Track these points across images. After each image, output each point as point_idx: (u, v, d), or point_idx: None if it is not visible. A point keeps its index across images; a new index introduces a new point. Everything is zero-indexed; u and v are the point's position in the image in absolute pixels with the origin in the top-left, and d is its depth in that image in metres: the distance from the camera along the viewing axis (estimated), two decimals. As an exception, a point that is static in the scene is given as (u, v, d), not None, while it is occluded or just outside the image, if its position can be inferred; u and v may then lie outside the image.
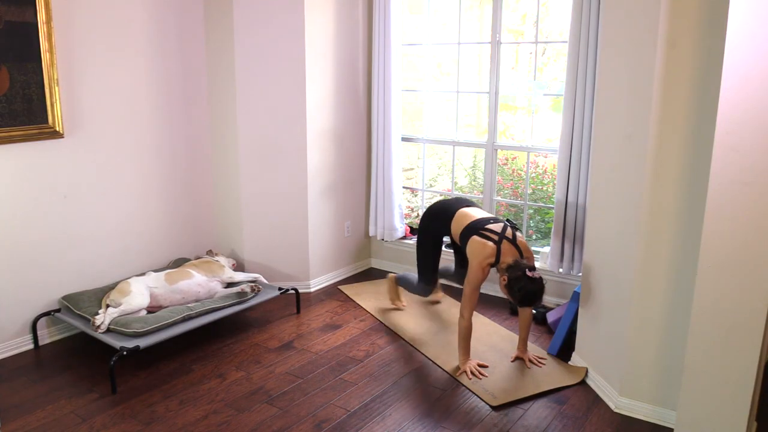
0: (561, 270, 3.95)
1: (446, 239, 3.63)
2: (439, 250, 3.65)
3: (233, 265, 4.14)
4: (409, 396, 3.09)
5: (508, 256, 3.14)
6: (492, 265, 3.18)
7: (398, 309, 4.08)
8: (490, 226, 3.24)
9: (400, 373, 3.31)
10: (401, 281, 4.00)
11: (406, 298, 4.18)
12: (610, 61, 2.95)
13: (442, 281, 4.12)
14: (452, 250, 3.84)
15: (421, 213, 4.98)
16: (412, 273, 3.95)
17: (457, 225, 3.37)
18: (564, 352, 3.46)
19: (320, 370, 3.34)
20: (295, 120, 4.19)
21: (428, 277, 3.70)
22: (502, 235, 3.18)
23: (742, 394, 2.35)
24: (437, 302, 4.20)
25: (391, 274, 4.12)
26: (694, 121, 2.54)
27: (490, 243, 3.16)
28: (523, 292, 3.02)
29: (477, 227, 3.25)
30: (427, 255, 3.65)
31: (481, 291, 4.04)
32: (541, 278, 3.04)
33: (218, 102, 4.26)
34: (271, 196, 4.30)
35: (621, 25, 2.83)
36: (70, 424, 2.82)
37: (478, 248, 3.18)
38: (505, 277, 3.09)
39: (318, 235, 4.46)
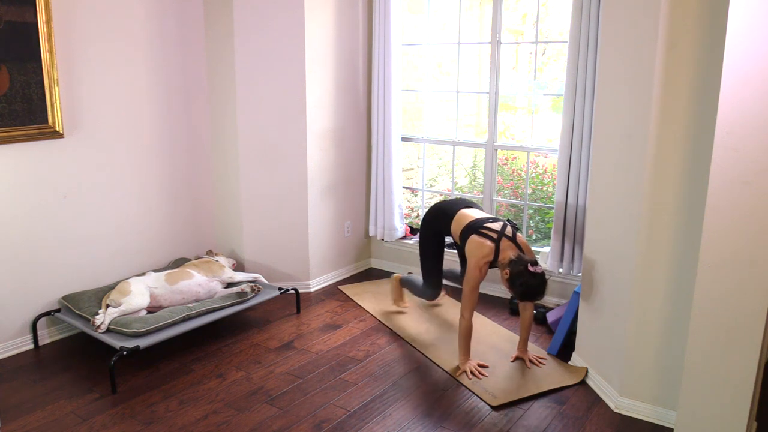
0: (561, 270, 3.95)
1: (448, 239, 3.62)
2: (442, 252, 3.63)
3: (233, 265, 4.13)
4: (409, 396, 3.09)
5: (508, 252, 3.11)
6: (490, 264, 3.17)
7: (401, 311, 4.06)
8: (489, 225, 3.23)
9: (400, 373, 3.31)
10: (406, 283, 3.97)
11: (409, 299, 4.17)
12: (610, 61, 2.95)
13: (448, 283, 4.08)
14: (455, 250, 3.83)
15: (421, 213, 4.98)
16: (415, 276, 3.94)
17: (457, 225, 3.36)
18: (564, 352, 3.46)
19: (320, 370, 3.34)
20: (295, 120, 4.19)
21: (433, 280, 3.67)
22: (501, 233, 3.17)
23: (742, 394, 2.35)
24: (438, 304, 4.18)
25: (395, 275, 4.10)
26: (694, 121, 2.54)
27: (488, 242, 3.15)
28: (524, 287, 2.99)
29: (476, 226, 3.25)
30: (431, 258, 3.63)
31: (481, 291, 4.06)
32: (543, 273, 3.02)
33: (218, 102, 4.26)
34: (271, 196, 4.30)
35: (621, 25, 2.83)
36: (70, 424, 2.82)
37: (476, 247, 3.17)
38: (507, 271, 3.06)
39: (318, 235, 4.46)
